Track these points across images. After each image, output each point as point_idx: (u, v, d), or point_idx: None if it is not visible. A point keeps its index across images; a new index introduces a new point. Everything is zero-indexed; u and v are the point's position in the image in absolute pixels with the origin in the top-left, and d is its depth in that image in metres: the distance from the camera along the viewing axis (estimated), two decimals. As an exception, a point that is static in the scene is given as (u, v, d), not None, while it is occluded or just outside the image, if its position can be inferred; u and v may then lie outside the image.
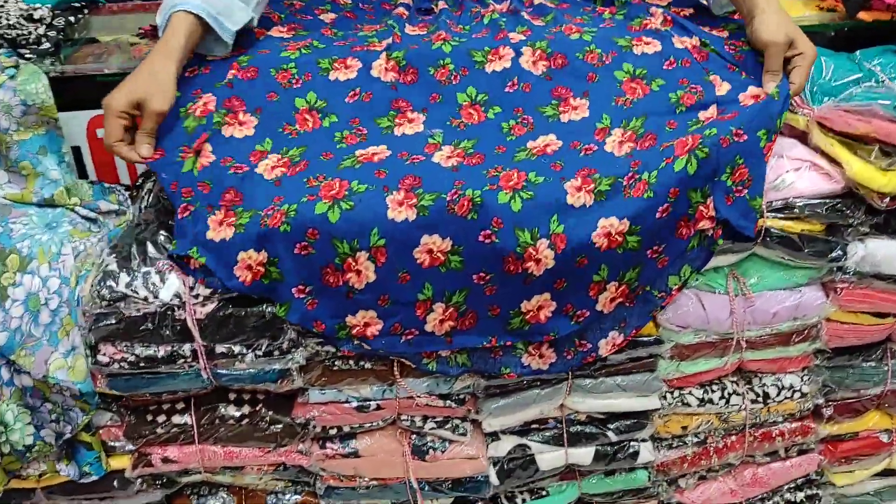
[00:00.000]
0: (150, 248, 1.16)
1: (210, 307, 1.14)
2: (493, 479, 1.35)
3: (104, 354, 1.15)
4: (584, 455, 1.35)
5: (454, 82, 1.26)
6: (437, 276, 1.10)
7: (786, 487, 1.49)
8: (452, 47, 1.27)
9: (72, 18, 1.52)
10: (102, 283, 1.11)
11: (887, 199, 1.17)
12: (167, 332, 1.14)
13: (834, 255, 1.22)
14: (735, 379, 1.35)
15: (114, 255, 1.15)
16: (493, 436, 1.34)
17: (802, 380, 1.35)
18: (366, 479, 1.34)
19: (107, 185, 1.37)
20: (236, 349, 1.17)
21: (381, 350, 1.16)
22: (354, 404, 1.26)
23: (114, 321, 1.13)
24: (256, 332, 1.16)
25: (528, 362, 1.21)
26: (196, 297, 1.13)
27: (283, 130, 1.21)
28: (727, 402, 1.33)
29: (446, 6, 1.44)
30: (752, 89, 1.20)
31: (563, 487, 1.41)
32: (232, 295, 1.13)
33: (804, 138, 1.27)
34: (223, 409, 1.25)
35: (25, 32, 1.39)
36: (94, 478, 1.25)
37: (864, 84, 1.27)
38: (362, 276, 1.09)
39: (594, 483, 1.41)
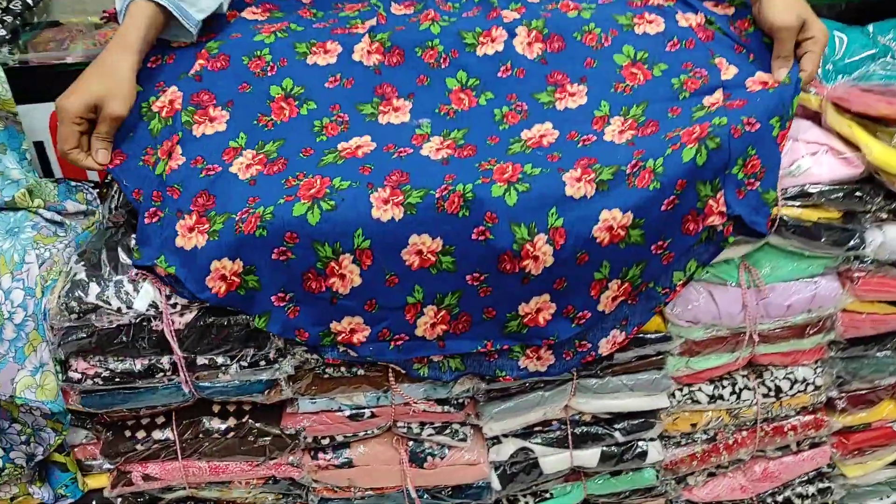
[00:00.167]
0: (122, 255, 1.07)
1: (189, 316, 1.06)
2: (495, 485, 1.28)
3: (75, 370, 1.07)
4: (589, 457, 1.28)
5: (443, 65, 1.18)
6: (427, 277, 1.03)
7: (797, 481, 1.44)
8: (441, 28, 1.19)
9: (30, 1, 1.41)
10: (71, 294, 1.03)
11: (909, 184, 1.10)
12: (143, 345, 1.06)
13: (852, 243, 1.15)
14: (746, 373, 1.29)
15: (82, 262, 1.07)
16: (495, 439, 1.27)
17: (816, 372, 1.29)
18: (361, 489, 1.27)
19: (73, 183, 1.28)
20: (219, 360, 1.09)
21: (368, 357, 1.09)
22: (347, 413, 1.19)
23: (85, 335, 1.04)
24: (240, 342, 1.08)
25: (525, 365, 1.14)
26: (173, 306, 1.05)
27: (258, 122, 1.12)
28: (738, 397, 1.27)
29: None
30: (760, 75, 1.13)
31: (567, 489, 1.35)
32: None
33: (818, 119, 1.19)
34: (207, 423, 1.17)
35: (-22, 19, 1.29)
36: (71, 500, 1.17)
37: (879, 60, 1.20)
38: (347, 281, 1.01)
39: (600, 484, 1.34)
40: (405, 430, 1.23)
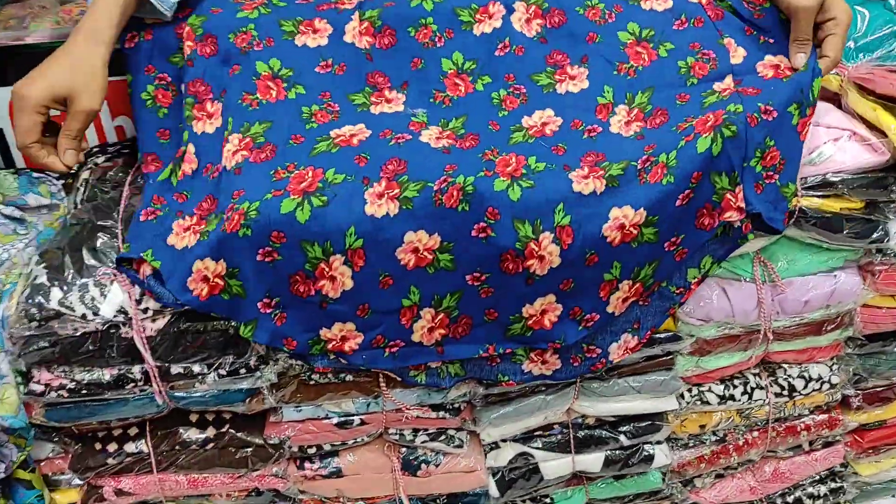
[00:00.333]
0: (87, 255, 0.98)
1: (162, 322, 0.97)
2: (493, 492, 1.21)
3: (38, 382, 0.98)
4: (592, 461, 1.21)
5: (438, 45, 1.09)
6: (424, 278, 0.95)
7: (808, 481, 1.37)
8: (434, 4, 1.09)
9: (-14, -27, 1.30)
10: (31, 300, 0.94)
11: (938, 172, 1.03)
12: (112, 354, 0.97)
13: (875, 235, 1.07)
14: (758, 371, 1.22)
15: (43, 264, 0.97)
16: (493, 444, 1.20)
17: (832, 369, 1.22)
18: (351, 500, 1.19)
19: (36, 174, 1.17)
20: (195, 369, 1.00)
21: (361, 366, 1.01)
22: (335, 420, 1.11)
23: (47, 344, 0.95)
24: (218, 349, 0.99)
25: (529, 369, 1.06)
26: (144, 311, 0.96)
27: (242, 101, 1.02)
28: (750, 397, 1.20)
29: None
30: (769, 58, 1.05)
31: (568, 494, 1.28)
32: (187, 307, 0.96)
33: (838, 101, 1.11)
34: (184, 433, 1.09)
35: (-74, -5, 1.18)
36: (38, 518, 1.09)
37: (903, 37, 1.12)
38: (337, 284, 0.93)
39: (603, 487, 1.27)
40: (397, 436, 1.15)
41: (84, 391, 0.99)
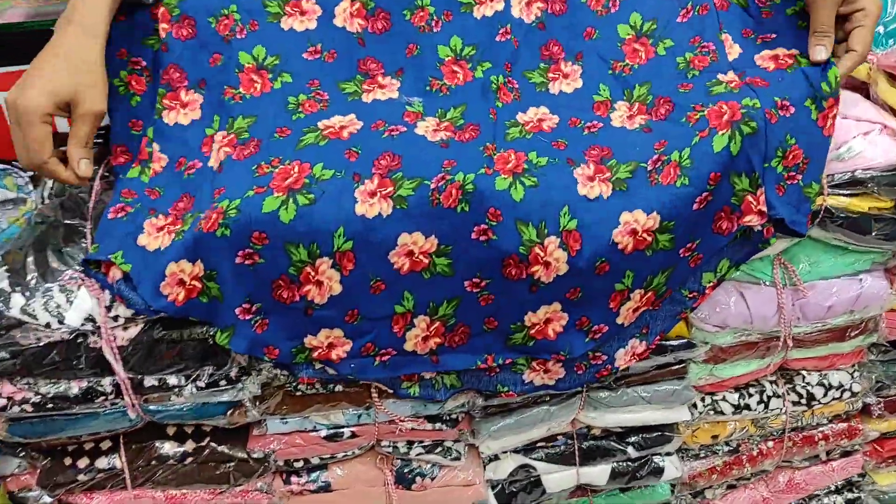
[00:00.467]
0: (52, 258, 0.90)
1: (134, 331, 0.89)
2: (493, 506, 1.14)
3: (0, 396, 0.90)
4: (598, 474, 1.14)
5: (434, 29, 1.00)
6: (419, 283, 0.87)
7: (824, 491, 1.30)
8: None
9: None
10: (-10, 307, 0.86)
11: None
12: (80, 365, 0.89)
13: (906, 236, 1.00)
14: (775, 379, 1.14)
15: (5, 267, 0.89)
16: (492, 456, 1.12)
17: (853, 377, 1.15)
18: (341, 515, 1.12)
19: (0, 165, 1.09)
20: (171, 381, 0.92)
21: (349, 376, 0.93)
22: (324, 433, 1.04)
23: (8, 355, 0.87)
24: (196, 359, 0.92)
25: (530, 379, 0.99)
26: (115, 319, 0.88)
27: (224, 95, 0.94)
28: (766, 406, 1.13)
29: None
30: (766, 52, 0.97)
31: (572, 506, 1.21)
32: (161, 314, 0.88)
33: (866, 91, 1.03)
34: (161, 447, 1.01)
35: None
36: (3, 539, 1.01)
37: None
38: (324, 289, 0.85)
39: (608, 499, 1.20)
40: (390, 449, 1.07)
41: (50, 405, 0.91)
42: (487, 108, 0.95)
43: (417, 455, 1.08)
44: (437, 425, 1.04)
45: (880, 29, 1.04)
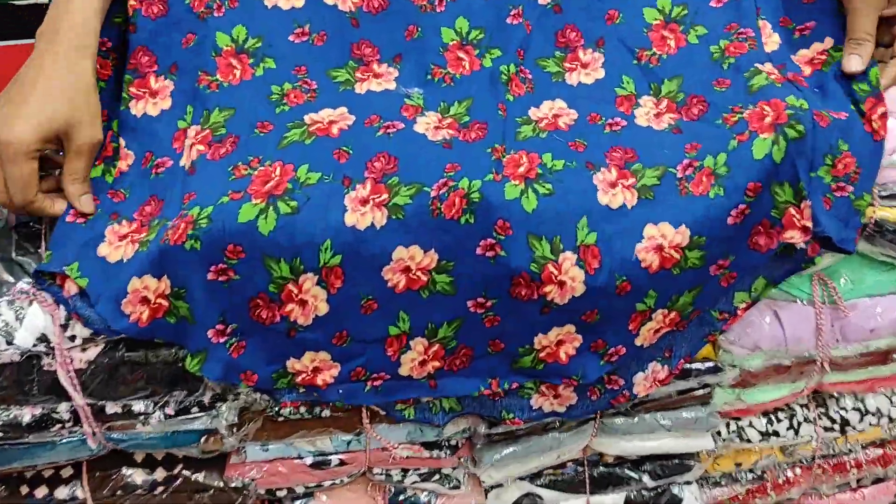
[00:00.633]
0: (0, 268, 0.79)
1: (93, 352, 0.79)
2: (495, 536, 1.04)
3: (-58, 423, 0.80)
4: (610, 503, 1.04)
5: (438, 9, 0.90)
6: (416, 303, 0.77)
7: (851, 519, 1.21)
8: None
9: None
10: (-71, 326, 0.75)
11: None
12: (32, 390, 0.79)
13: (963, 253, 0.89)
14: (806, 402, 1.04)
15: (-53, 278, 0.79)
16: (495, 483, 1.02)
17: (892, 401, 1.05)
18: (328, 547, 1.02)
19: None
20: (136, 408, 0.82)
21: (337, 402, 0.83)
22: (309, 460, 0.94)
23: (-50, 379, 0.77)
24: (164, 384, 0.81)
25: (539, 405, 0.89)
26: (71, 339, 0.77)
27: (199, 82, 0.83)
28: (796, 432, 1.03)
29: None
30: (803, 52, 0.87)
31: (580, 535, 1.11)
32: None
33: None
34: (128, 475, 0.91)
35: None
36: (-48, 576, 0.91)
37: None
38: (309, 309, 0.75)
39: (620, 528, 1.11)
40: (383, 476, 0.97)
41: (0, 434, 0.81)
42: (496, 104, 0.84)
43: (413, 483, 0.98)
44: (435, 452, 0.94)
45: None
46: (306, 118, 0.81)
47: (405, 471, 0.97)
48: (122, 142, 0.82)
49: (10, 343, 0.76)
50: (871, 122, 0.81)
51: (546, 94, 0.87)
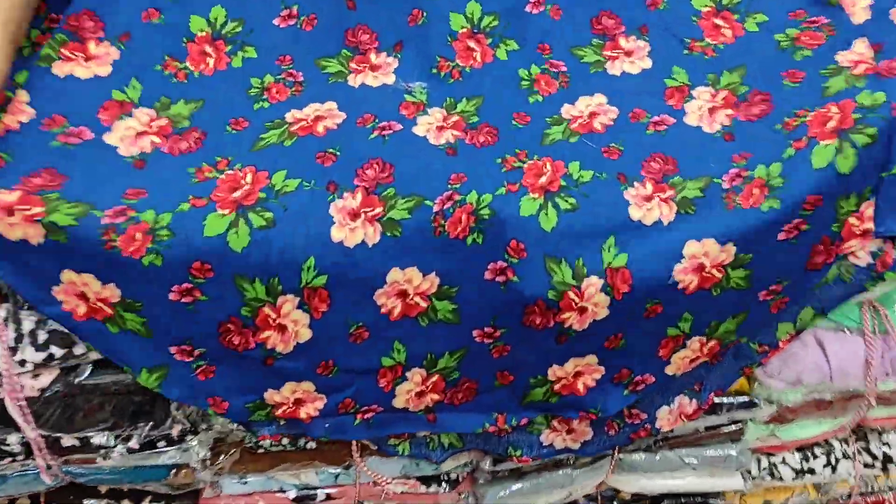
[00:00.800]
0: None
1: (47, 378, 0.70)
2: (498, 575, 0.95)
3: None
4: (625, 542, 0.95)
5: None
6: (414, 332, 0.68)
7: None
8: None
9: None
10: None
11: None
12: (-22, 420, 0.70)
13: None
14: (846, 437, 0.94)
15: None
16: (498, 517, 0.93)
17: (940, 438, 0.95)
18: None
19: None
20: (96, 441, 0.73)
21: (323, 436, 0.74)
22: (293, 494, 0.85)
23: None
24: (127, 415, 0.72)
25: (549, 441, 0.80)
26: (21, 363, 0.68)
27: (164, 69, 0.72)
28: (834, 470, 0.93)
29: None
30: None
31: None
32: (81, 357, 0.68)
33: None
34: (90, 508, 0.82)
35: None
36: None
37: None
38: (289, 335, 0.66)
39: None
40: (375, 510, 0.88)
41: (-60, 467, 0.72)
42: (511, 111, 0.73)
43: (408, 518, 0.89)
44: (433, 487, 0.85)
45: None
46: (288, 116, 0.71)
47: (399, 505, 0.88)
48: (24, 96, 0.68)
49: (-51, 368, 0.67)
50: None
51: (584, 87, 0.76)
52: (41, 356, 0.67)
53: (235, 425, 0.75)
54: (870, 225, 0.69)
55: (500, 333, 0.68)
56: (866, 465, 0.95)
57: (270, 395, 0.70)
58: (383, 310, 0.66)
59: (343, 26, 0.77)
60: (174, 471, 0.78)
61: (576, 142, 0.70)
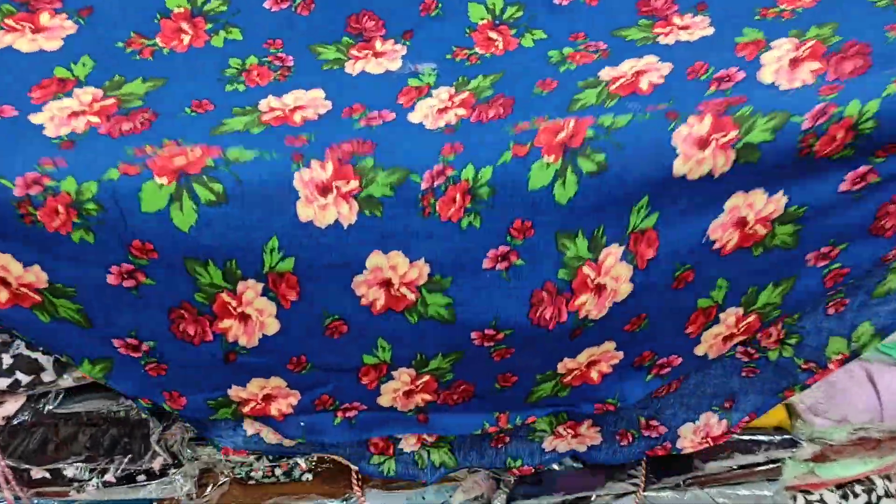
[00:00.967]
0: None
1: (13, 406, 0.64)
2: None
3: None
4: (646, 579, 0.88)
5: None
6: (400, 328, 0.59)
7: None
8: None
9: None
10: None
11: None
12: (-63, 451, 0.63)
13: None
14: (889, 473, 0.87)
15: None
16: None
17: None
18: None
19: None
20: (69, 473, 0.66)
21: (299, 440, 0.66)
22: (288, 527, 0.78)
23: None
24: (102, 447, 0.65)
25: (552, 447, 0.73)
26: (-15, 389, 0.61)
27: (128, 46, 0.63)
28: (874, 508, 0.86)
29: None
30: None
31: None
32: (50, 384, 0.61)
33: None
34: (67, 539, 0.76)
35: None
36: None
37: None
38: (252, 326, 0.58)
39: None
40: (377, 544, 0.82)
41: None
42: (534, 80, 0.63)
43: (412, 552, 0.82)
44: (440, 522, 0.78)
45: None
46: (262, 103, 0.60)
47: (404, 539, 0.82)
48: None
49: None
50: None
51: (629, 55, 0.64)
52: (6, 382, 0.61)
53: (225, 456, 0.69)
54: None
55: (503, 336, 0.59)
56: (910, 503, 0.87)
57: (236, 392, 0.62)
58: (363, 301, 0.57)
59: (345, 13, 0.68)
60: (157, 504, 0.72)
61: (615, 104, 0.58)
